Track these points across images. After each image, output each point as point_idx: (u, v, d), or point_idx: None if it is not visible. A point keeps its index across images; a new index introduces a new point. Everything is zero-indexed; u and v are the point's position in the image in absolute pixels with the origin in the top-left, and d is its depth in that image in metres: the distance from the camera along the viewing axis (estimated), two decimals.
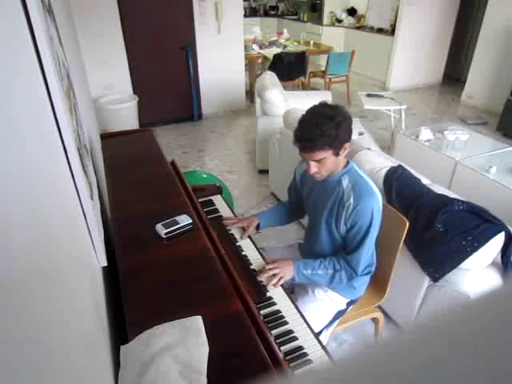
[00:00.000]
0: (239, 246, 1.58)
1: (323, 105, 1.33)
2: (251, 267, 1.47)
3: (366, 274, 1.53)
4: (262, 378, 0.81)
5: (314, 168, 1.35)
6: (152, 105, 4.71)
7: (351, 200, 1.35)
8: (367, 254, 1.42)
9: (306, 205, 1.60)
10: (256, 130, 3.45)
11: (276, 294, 1.37)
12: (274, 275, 1.39)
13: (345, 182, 1.39)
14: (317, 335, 1.21)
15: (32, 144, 0.55)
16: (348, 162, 1.44)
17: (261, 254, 1.55)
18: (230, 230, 1.66)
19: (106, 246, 1.03)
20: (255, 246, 1.60)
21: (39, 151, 0.59)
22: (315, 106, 1.35)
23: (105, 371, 0.76)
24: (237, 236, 1.63)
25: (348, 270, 1.43)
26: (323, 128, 1.26)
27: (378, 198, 1.37)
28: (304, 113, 1.34)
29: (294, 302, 1.33)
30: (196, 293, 1.02)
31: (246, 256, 1.52)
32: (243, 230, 1.66)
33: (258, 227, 1.71)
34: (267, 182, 3.37)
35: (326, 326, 1.50)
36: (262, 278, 1.39)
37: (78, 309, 0.64)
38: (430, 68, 6.54)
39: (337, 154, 1.32)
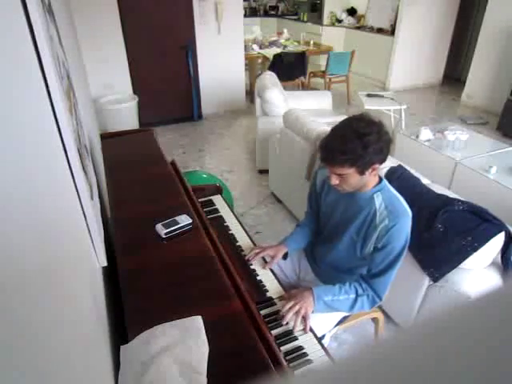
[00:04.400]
0: (239, 246, 1.58)
1: (360, 118, 1.22)
2: (251, 267, 1.48)
3: None
4: (262, 378, 0.81)
5: (335, 180, 1.27)
6: (152, 105, 4.71)
7: (386, 221, 1.26)
8: (393, 277, 1.33)
9: (327, 214, 1.50)
10: (256, 130, 3.45)
11: (276, 293, 1.37)
12: (297, 312, 1.25)
13: (378, 201, 1.30)
14: (319, 338, 1.21)
15: (32, 144, 0.55)
16: (381, 179, 1.35)
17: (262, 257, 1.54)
18: (230, 230, 1.66)
19: (106, 245, 1.03)
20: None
21: (39, 151, 0.59)
22: (351, 118, 1.25)
23: (105, 371, 0.76)
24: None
25: (370, 294, 1.33)
26: (347, 145, 1.17)
27: (410, 218, 1.29)
28: (340, 121, 1.26)
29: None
30: (196, 293, 1.02)
31: (245, 256, 1.52)
32: (264, 260, 1.52)
33: (285, 255, 1.58)
34: (267, 182, 3.37)
35: (330, 330, 1.49)
36: (287, 320, 1.24)
37: (78, 309, 0.64)
38: (430, 68, 6.54)
39: (361, 173, 1.23)
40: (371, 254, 1.34)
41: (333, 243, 1.46)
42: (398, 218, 1.26)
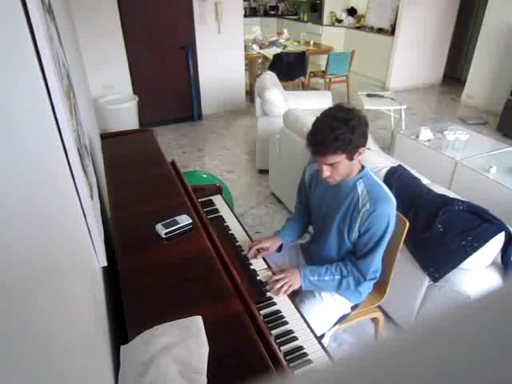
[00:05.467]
0: (239, 246, 1.58)
1: (338, 107, 1.30)
2: (251, 267, 1.48)
3: (372, 279, 1.52)
4: (262, 378, 0.81)
5: (326, 172, 1.32)
6: (152, 105, 4.71)
7: (367, 206, 1.32)
8: (378, 260, 1.40)
9: (316, 208, 1.54)
10: (256, 130, 3.45)
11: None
12: (284, 284, 1.36)
13: (360, 188, 1.35)
14: (318, 337, 1.21)
15: (32, 144, 0.55)
16: (363, 167, 1.41)
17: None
18: (230, 230, 1.66)
19: (106, 245, 1.03)
20: None
21: (39, 151, 0.59)
22: (330, 109, 1.31)
23: (105, 371, 0.76)
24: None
25: (356, 275, 1.41)
26: (336, 132, 1.22)
27: (394, 205, 1.34)
28: (318, 115, 1.31)
29: (294, 303, 1.34)
30: (196, 293, 1.02)
31: (246, 256, 1.52)
32: (257, 251, 1.55)
33: (279, 248, 1.63)
34: (267, 182, 3.37)
35: (329, 329, 1.50)
36: (272, 291, 1.36)
37: (78, 309, 0.64)
38: (430, 68, 6.54)
39: (350, 159, 1.29)
40: (357, 240, 1.40)
41: (323, 237, 1.50)
42: (378, 203, 1.31)
